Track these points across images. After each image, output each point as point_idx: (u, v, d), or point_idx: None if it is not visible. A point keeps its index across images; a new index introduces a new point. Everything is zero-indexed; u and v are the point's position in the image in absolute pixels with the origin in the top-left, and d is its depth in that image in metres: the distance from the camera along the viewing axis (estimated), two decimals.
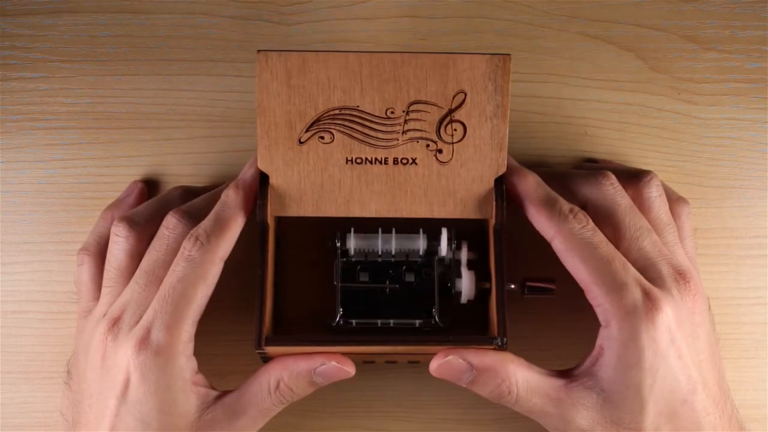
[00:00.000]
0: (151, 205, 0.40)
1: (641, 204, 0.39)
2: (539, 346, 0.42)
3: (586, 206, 0.38)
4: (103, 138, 0.43)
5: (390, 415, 0.44)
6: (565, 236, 0.36)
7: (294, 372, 0.37)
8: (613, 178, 0.38)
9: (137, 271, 0.37)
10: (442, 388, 0.44)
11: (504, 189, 0.37)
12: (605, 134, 0.44)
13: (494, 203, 0.37)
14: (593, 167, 0.42)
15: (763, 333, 0.44)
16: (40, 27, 0.43)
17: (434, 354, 0.36)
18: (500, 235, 0.37)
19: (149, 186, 0.43)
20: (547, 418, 0.36)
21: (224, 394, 0.37)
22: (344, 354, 0.37)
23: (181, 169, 0.43)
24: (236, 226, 0.37)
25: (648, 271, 0.36)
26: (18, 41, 0.43)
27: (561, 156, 0.44)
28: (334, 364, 0.36)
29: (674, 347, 0.35)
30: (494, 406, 0.44)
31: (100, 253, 0.40)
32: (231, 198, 0.38)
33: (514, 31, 0.44)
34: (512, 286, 0.39)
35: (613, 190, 0.38)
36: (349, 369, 0.37)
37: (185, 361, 0.36)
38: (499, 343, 0.36)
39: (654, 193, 0.39)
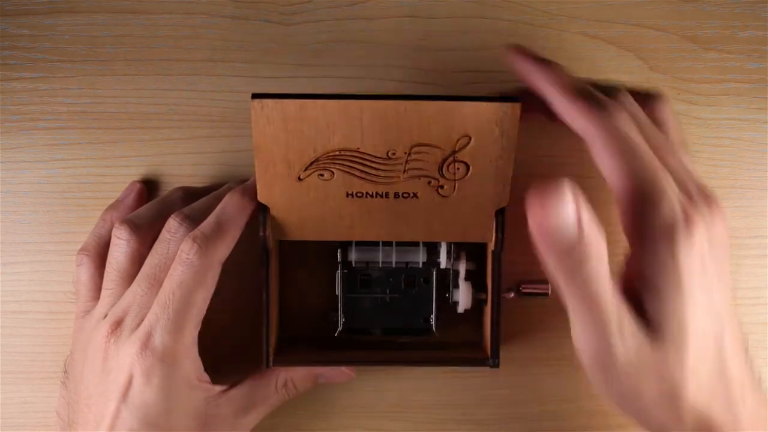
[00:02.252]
0: (152, 208, 0.40)
1: (657, 124, 0.37)
2: (535, 345, 0.42)
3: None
4: (103, 138, 0.43)
5: (390, 415, 0.44)
6: (607, 134, 0.33)
7: (301, 375, 0.40)
8: (622, 111, 0.34)
9: (139, 275, 0.38)
10: (442, 388, 0.44)
11: (503, 220, 0.37)
12: None
13: (494, 234, 0.37)
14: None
15: (763, 333, 0.44)
16: (40, 27, 0.43)
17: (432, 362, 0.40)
18: (498, 259, 0.38)
19: (149, 186, 0.43)
20: (594, 327, 0.32)
21: (228, 388, 0.38)
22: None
23: (181, 169, 0.43)
24: (236, 230, 0.37)
25: (679, 189, 0.34)
26: (18, 41, 0.43)
27: (561, 156, 0.44)
28: (338, 369, 0.41)
29: (706, 279, 0.32)
30: (494, 406, 0.44)
31: (99, 254, 0.40)
32: (233, 202, 0.38)
33: (514, 31, 0.44)
34: (511, 295, 0.39)
35: (623, 123, 0.34)
36: (351, 373, 0.41)
37: (190, 364, 0.36)
38: (491, 364, 0.38)
39: (668, 114, 0.38)
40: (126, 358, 0.35)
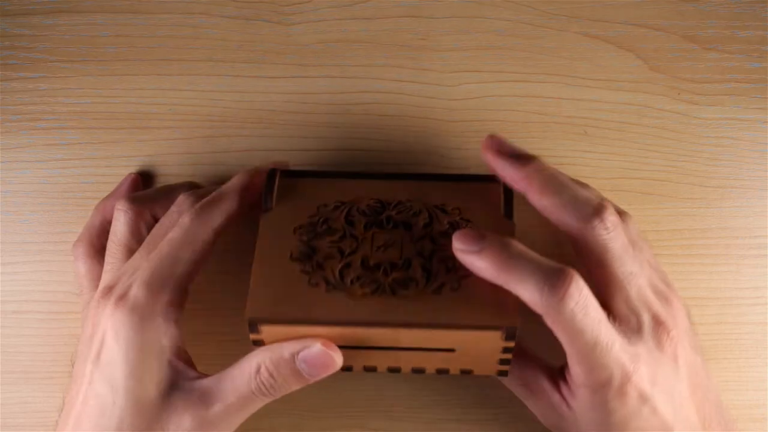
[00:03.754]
0: (154, 189, 0.41)
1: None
2: (536, 345, 0.42)
3: (575, 240, 0.37)
4: (103, 138, 0.43)
5: (390, 415, 0.44)
6: (556, 316, 0.33)
7: (276, 355, 0.34)
8: (609, 216, 0.36)
9: (143, 243, 0.38)
10: (442, 388, 0.44)
11: None
12: (605, 134, 0.44)
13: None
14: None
15: (763, 333, 0.44)
16: (40, 27, 0.43)
17: (440, 354, 0.36)
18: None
19: (148, 186, 0.43)
20: (532, 401, 0.39)
21: (203, 376, 0.35)
22: (343, 346, 0.35)
23: (181, 169, 0.43)
24: (232, 203, 0.37)
25: (629, 320, 0.36)
26: (18, 41, 0.43)
27: (561, 156, 0.44)
28: (318, 347, 0.33)
29: (647, 405, 0.35)
30: (494, 406, 0.44)
31: (92, 243, 0.40)
32: (235, 180, 0.38)
33: (514, 31, 0.44)
34: None
35: (606, 234, 0.36)
36: (336, 356, 0.34)
37: (162, 323, 0.35)
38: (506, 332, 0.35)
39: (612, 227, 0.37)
40: (103, 316, 0.35)
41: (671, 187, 0.44)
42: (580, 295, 0.33)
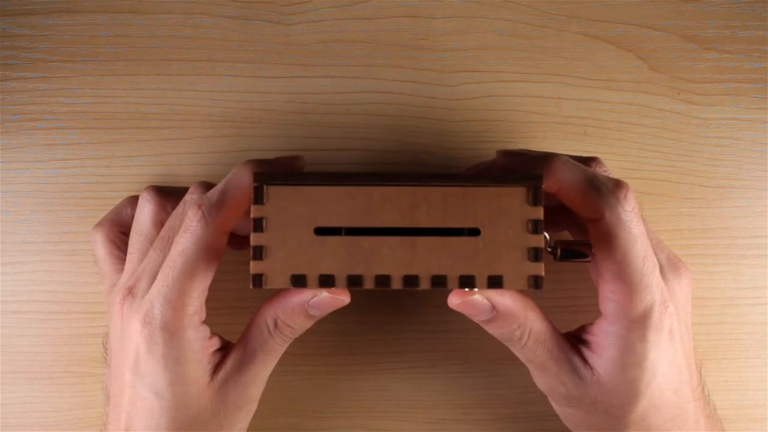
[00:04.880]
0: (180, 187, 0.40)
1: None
2: None
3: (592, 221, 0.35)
4: (103, 138, 0.43)
5: (390, 415, 0.44)
6: (611, 222, 0.34)
7: (288, 308, 0.36)
8: (631, 196, 0.35)
9: (157, 239, 0.37)
10: (442, 388, 0.44)
11: None
12: (605, 134, 0.44)
13: None
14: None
15: (763, 333, 0.44)
16: (40, 27, 0.43)
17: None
18: None
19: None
20: (543, 373, 0.37)
21: (231, 348, 0.37)
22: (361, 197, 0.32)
23: (181, 169, 0.43)
24: (242, 197, 0.35)
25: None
26: (18, 41, 0.43)
27: None
28: (325, 294, 0.35)
29: (673, 345, 0.36)
30: (494, 407, 0.44)
31: (111, 227, 0.40)
32: (242, 169, 0.36)
33: (514, 31, 0.44)
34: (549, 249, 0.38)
35: (630, 216, 0.34)
36: (343, 297, 0.35)
37: (193, 333, 0.35)
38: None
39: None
40: (133, 327, 0.35)
41: (671, 187, 0.44)
42: (636, 204, 0.34)
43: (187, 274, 0.35)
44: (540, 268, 0.32)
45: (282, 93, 0.43)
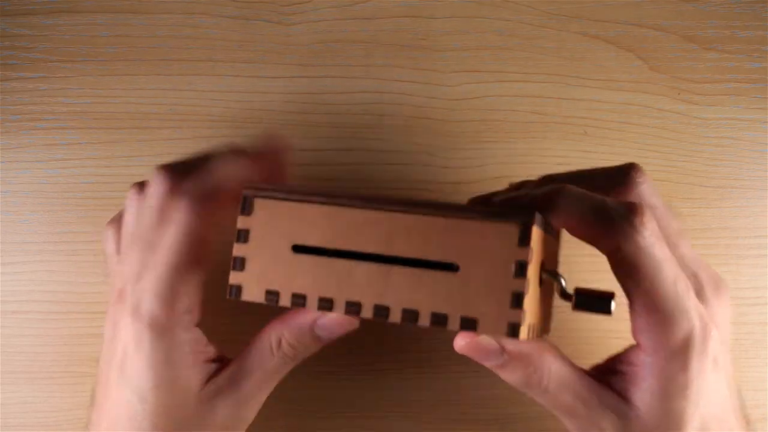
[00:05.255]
0: (191, 158, 0.37)
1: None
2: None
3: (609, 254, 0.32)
4: (103, 138, 0.43)
5: (390, 415, 0.44)
6: (632, 250, 0.30)
7: (294, 327, 0.34)
8: (648, 220, 0.31)
9: (132, 237, 0.35)
10: (442, 388, 0.44)
11: None
12: (605, 134, 0.44)
13: None
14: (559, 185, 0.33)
15: (763, 333, 0.44)
16: (40, 27, 0.43)
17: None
18: None
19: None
20: (573, 417, 0.33)
21: (228, 362, 0.35)
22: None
23: None
24: (237, 189, 0.32)
25: (691, 282, 0.33)
26: (18, 41, 0.43)
27: (561, 156, 0.44)
28: (334, 315, 0.32)
29: (717, 373, 0.33)
30: (494, 407, 0.44)
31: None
32: (232, 156, 0.34)
33: (514, 31, 0.44)
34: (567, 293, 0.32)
35: (650, 240, 0.31)
36: (353, 319, 0.33)
37: (183, 333, 0.34)
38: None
39: (653, 189, 0.35)
40: (123, 325, 0.34)
41: (671, 187, 0.44)
42: (654, 225, 0.30)
43: (177, 268, 0.33)
44: (519, 315, 0.29)
45: (282, 93, 0.43)
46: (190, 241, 0.33)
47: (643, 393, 0.32)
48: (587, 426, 0.33)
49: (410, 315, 0.30)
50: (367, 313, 0.30)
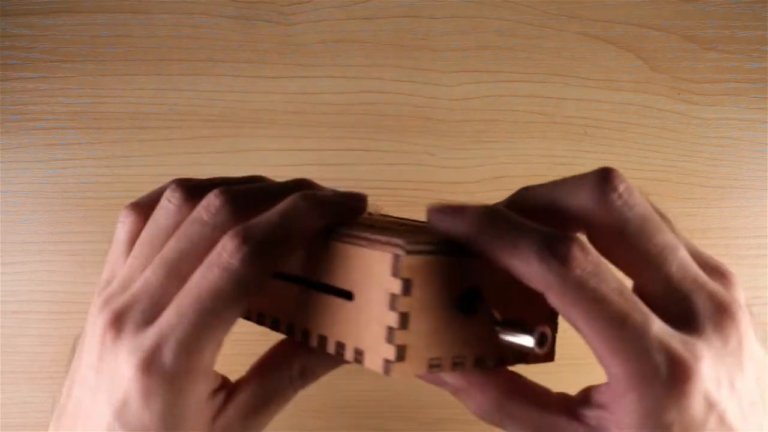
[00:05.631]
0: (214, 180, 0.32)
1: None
2: None
3: (587, 226, 0.28)
4: (103, 138, 0.43)
5: (390, 415, 0.44)
6: (561, 289, 0.25)
7: (323, 357, 0.30)
8: (618, 181, 0.27)
9: (157, 258, 0.29)
10: (441, 388, 0.44)
11: None
12: (605, 134, 0.44)
13: None
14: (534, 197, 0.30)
15: (763, 333, 0.44)
16: (40, 27, 0.43)
17: None
18: None
19: (148, 186, 0.43)
20: None
21: (235, 388, 0.31)
22: None
23: (181, 169, 0.43)
24: (299, 243, 0.28)
25: (677, 307, 0.27)
26: (18, 41, 0.43)
27: (561, 156, 0.44)
28: None
29: (714, 414, 0.27)
30: None
31: (148, 214, 0.32)
32: (302, 206, 0.28)
33: (514, 31, 0.44)
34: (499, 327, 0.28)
35: (620, 202, 0.27)
36: None
37: (203, 386, 0.29)
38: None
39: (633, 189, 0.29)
40: (124, 368, 0.28)
41: (671, 187, 0.44)
42: (587, 258, 0.25)
43: (213, 321, 0.27)
44: (390, 351, 0.27)
45: (282, 93, 0.43)
46: (237, 293, 0.27)
47: (623, 427, 0.27)
48: None
49: (322, 341, 0.29)
50: (296, 333, 0.30)
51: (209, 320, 0.27)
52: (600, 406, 0.28)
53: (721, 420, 0.27)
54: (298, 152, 0.43)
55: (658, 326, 0.26)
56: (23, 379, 0.43)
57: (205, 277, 0.27)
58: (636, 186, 0.28)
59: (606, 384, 0.28)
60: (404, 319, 0.27)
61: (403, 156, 0.43)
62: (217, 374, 0.30)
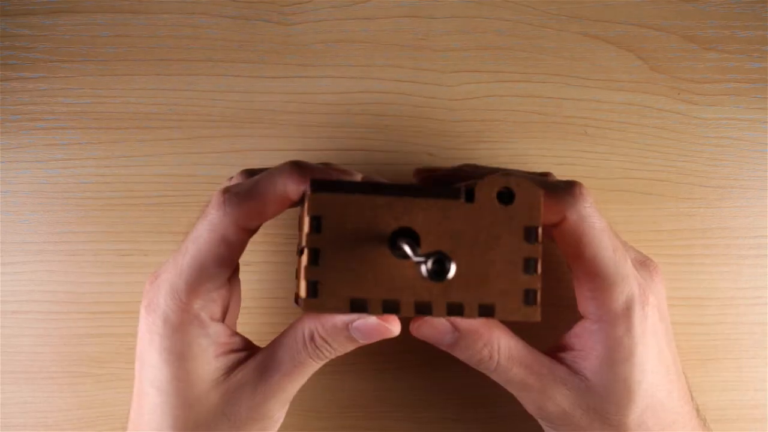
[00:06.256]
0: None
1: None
2: (536, 345, 0.42)
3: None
4: (103, 138, 0.43)
5: (390, 415, 0.44)
6: (573, 220, 0.33)
7: (329, 324, 0.32)
8: (587, 192, 0.34)
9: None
10: (441, 388, 0.44)
11: None
12: (605, 134, 0.44)
13: None
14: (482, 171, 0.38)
15: (763, 333, 0.44)
16: (40, 27, 0.43)
17: None
18: None
19: (148, 186, 0.43)
20: (526, 391, 0.35)
21: (254, 352, 0.34)
22: None
23: (181, 169, 0.43)
24: (272, 195, 0.32)
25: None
26: (18, 41, 0.43)
27: (561, 156, 0.44)
28: (374, 319, 0.31)
29: (657, 340, 0.34)
30: (493, 406, 0.44)
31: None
32: (280, 168, 0.32)
33: (514, 31, 0.44)
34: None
35: (590, 210, 0.33)
36: (393, 327, 0.32)
37: (197, 329, 0.33)
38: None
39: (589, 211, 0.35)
40: (141, 315, 0.33)
41: (671, 187, 0.44)
42: (592, 199, 0.33)
43: (197, 264, 0.32)
44: (302, 287, 0.29)
45: (282, 93, 0.43)
46: (212, 238, 0.32)
47: (591, 363, 0.34)
48: (541, 399, 0.34)
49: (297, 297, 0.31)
50: (406, 311, 0.30)
51: (193, 263, 0.32)
52: (572, 348, 0.35)
53: (661, 347, 0.35)
54: (298, 152, 0.43)
55: (630, 260, 0.34)
56: (23, 379, 0.43)
57: (194, 229, 0.32)
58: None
59: (576, 326, 0.35)
60: (314, 256, 0.29)
61: (403, 156, 0.43)
62: (233, 335, 0.34)
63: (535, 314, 0.30)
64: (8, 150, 0.43)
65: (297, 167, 0.32)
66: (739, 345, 0.44)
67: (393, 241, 0.29)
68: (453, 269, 0.26)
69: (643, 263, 0.36)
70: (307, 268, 0.29)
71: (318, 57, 0.43)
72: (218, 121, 0.43)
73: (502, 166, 0.44)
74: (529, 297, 0.30)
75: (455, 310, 0.30)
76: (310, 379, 0.42)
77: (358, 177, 0.34)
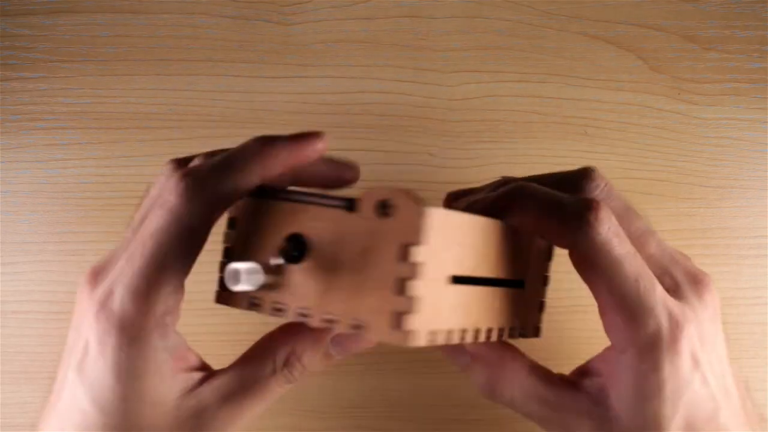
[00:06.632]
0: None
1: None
2: (536, 345, 0.42)
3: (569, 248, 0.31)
4: (103, 138, 0.43)
5: (390, 415, 0.44)
6: (588, 246, 0.29)
7: (308, 343, 0.30)
8: (604, 216, 0.29)
9: (135, 216, 0.31)
10: (442, 388, 0.44)
11: None
12: (605, 134, 0.44)
13: None
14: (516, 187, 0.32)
15: (763, 333, 0.44)
16: (40, 27, 0.43)
17: None
18: None
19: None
20: (547, 423, 0.32)
21: (215, 373, 0.30)
22: None
23: None
24: (244, 175, 0.28)
25: (663, 279, 0.31)
26: (18, 41, 0.43)
27: (561, 156, 0.44)
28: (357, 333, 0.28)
29: (698, 372, 0.30)
30: (494, 406, 0.44)
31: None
32: (251, 144, 0.29)
33: (514, 31, 0.44)
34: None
35: (607, 237, 0.29)
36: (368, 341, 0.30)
37: (159, 341, 0.28)
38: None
39: (610, 198, 0.32)
40: (85, 318, 0.28)
41: (671, 187, 0.44)
42: (611, 221, 0.29)
43: (158, 262, 0.27)
44: (216, 286, 0.30)
45: (282, 93, 0.43)
46: (176, 230, 0.27)
47: (619, 394, 0.31)
48: (560, 430, 0.32)
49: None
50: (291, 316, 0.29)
51: (152, 262, 0.27)
52: (598, 374, 0.32)
53: (704, 379, 0.30)
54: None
55: (660, 288, 0.30)
56: (23, 379, 0.43)
57: (149, 220, 0.28)
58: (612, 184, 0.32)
59: (604, 350, 0.32)
60: (227, 253, 0.30)
61: (403, 156, 0.43)
62: (189, 349, 0.30)
63: (406, 339, 0.26)
64: (8, 150, 0.43)
65: (264, 140, 0.29)
66: (739, 345, 0.44)
67: (287, 247, 0.29)
68: (305, 254, 0.27)
69: (695, 279, 0.32)
70: (221, 263, 0.31)
71: (318, 57, 0.43)
72: (218, 121, 0.43)
73: (502, 165, 0.44)
74: (397, 320, 0.26)
75: (329, 322, 0.28)
76: (310, 379, 0.42)
77: (356, 169, 0.33)
